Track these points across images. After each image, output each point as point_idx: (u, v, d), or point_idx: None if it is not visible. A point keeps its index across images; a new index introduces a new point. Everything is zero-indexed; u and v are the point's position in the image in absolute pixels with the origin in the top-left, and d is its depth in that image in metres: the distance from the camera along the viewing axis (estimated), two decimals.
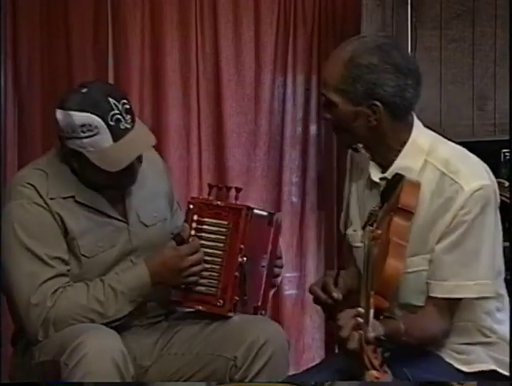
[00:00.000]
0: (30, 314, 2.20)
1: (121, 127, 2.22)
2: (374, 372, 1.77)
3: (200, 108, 3.74)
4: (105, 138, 2.20)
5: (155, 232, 2.38)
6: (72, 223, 2.26)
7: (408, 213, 2.04)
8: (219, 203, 2.32)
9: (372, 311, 1.87)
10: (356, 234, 2.25)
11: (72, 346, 2.10)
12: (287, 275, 3.69)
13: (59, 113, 2.22)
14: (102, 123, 2.19)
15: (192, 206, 2.34)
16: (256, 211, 2.34)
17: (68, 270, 2.26)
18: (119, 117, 2.21)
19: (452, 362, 2.10)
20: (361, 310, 1.89)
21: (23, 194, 2.25)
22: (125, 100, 2.25)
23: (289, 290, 3.78)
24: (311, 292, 2.16)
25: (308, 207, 3.79)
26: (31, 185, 2.26)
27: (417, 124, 2.16)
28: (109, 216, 2.31)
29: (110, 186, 2.32)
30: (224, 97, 3.73)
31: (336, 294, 2.11)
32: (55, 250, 2.24)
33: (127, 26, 3.67)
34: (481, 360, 2.11)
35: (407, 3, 3.48)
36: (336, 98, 2.10)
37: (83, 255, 2.27)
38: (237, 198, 2.34)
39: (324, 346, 3.81)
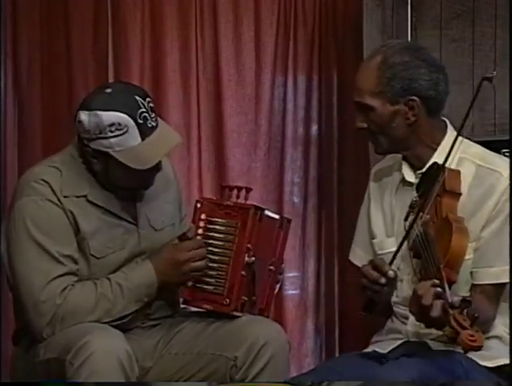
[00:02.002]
0: (38, 311, 2.21)
1: (149, 125, 2.23)
2: (469, 331, 1.81)
3: (200, 108, 3.73)
4: (133, 137, 2.21)
5: (164, 237, 2.39)
6: (83, 223, 2.27)
7: (456, 194, 2.14)
8: (227, 202, 2.33)
9: (446, 282, 1.93)
10: (382, 240, 2.31)
11: (77, 345, 2.10)
12: (289, 275, 3.69)
13: (84, 115, 2.22)
14: (131, 121, 2.20)
15: (199, 205, 2.35)
16: (267, 212, 2.35)
17: (78, 269, 2.26)
18: (146, 115, 2.22)
19: (475, 358, 2.14)
20: (436, 281, 1.95)
21: (37, 190, 2.25)
22: (149, 99, 2.26)
23: (290, 290, 3.78)
24: (362, 271, 2.18)
25: (310, 208, 3.79)
26: (45, 182, 2.26)
27: (450, 126, 2.26)
28: (120, 218, 2.32)
29: (130, 187, 2.32)
30: (224, 97, 3.72)
31: (392, 272, 2.13)
32: (67, 248, 2.25)
33: (127, 26, 3.66)
34: (500, 355, 2.16)
35: (407, 3, 3.47)
36: (373, 102, 2.18)
37: (92, 255, 2.27)
38: (246, 198, 2.35)
39: (325, 350, 3.81)
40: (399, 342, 2.25)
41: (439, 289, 1.93)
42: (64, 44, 3.66)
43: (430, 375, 2.08)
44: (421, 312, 1.96)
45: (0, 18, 3.37)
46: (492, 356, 2.16)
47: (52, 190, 2.26)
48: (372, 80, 2.18)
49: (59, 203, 2.26)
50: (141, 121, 2.21)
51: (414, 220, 2.13)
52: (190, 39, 3.70)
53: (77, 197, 2.28)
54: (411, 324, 2.21)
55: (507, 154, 3.00)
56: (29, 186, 2.27)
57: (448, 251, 2.03)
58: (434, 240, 2.08)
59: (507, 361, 2.13)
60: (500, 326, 2.20)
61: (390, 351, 2.23)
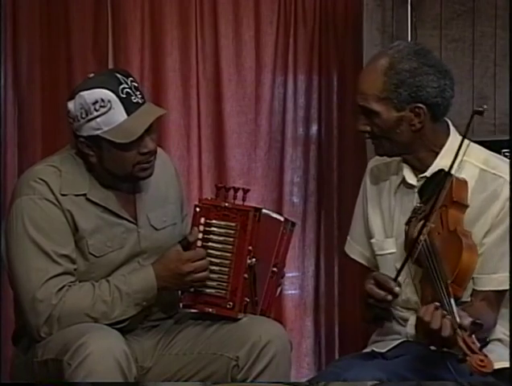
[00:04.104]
0: (35, 310, 2.21)
1: (133, 101, 2.23)
2: (479, 356, 1.80)
3: (200, 108, 3.73)
4: (118, 112, 2.21)
5: (164, 236, 2.38)
6: (82, 221, 2.26)
7: (463, 206, 2.13)
8: (226, 204, 2.31)
9: (453, 299, 1.93)
10: (382, 241, 2.30)
11: (75, 345, 2.10)
12: (289, 275, 3.69)
13: (70, 103, 2.24)
14: (114, 96, 2.20)
15: (198, 209, 2.33)
16: (268, 212, 2.35)
17: (75, 269, 2.26)
18: (129, 91, 2.23)
19: None
20: (437, 303, 1.94)
21: (35, 189, 2.25)
22: (131, 78, 2.27)
23: (290, 290, 3.79)
24: (366, 291, 2.17)
25: (309, 208, 3.79)
26: (44, 181, 2.26)
27: (452, 128, 2.24)
28: (120, 217, 2.31)
29: (128, 175, 2.31)
30: (224, 97, 3.73)
31: (398, 289, 2.14)
32: (63, 248, 2.25)
33: (127, 26, 3.66)
34: (501, 358, 2.14)
35: (407, 3, 3.48)
36: (379, 107, 2.16)
37: (91, 254, 2.27)
38: (244, 199, 2.34)
39: (325, 349, 3.82)
40: (398, 342, 2.24)
41: (444, 312, 1.92)
42: (64, 44, 3.66)
43: (414, 375, 2.09)
44: (430, 336, 1.95)
45: (0, 18, 3.37)
46: (493, 359, 2.15)
47: (50, 189, 2.26)
48: (378, 85, 2.15)
49: (56, 203, 2.25)
50: (124, 96, 2.21)
51: (420, 231, 2.10)
52: (190, 39, 3.71)
53: (76, 195, 2.28)
54: (411, 326, 2.20)
55: (507, 154, 3.00)
56: (27, 185, 2.27)
57: (457, 268, 2.03)
58: (440, 252, 2.07)
59: (508, 364, 2.13)
60: (500, 329, 2.20)
61: (388, 351, 2.23)
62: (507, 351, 2.15)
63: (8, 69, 3.61)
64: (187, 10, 3.70)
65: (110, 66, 3.66)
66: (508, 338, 2.18)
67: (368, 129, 2.20)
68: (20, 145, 3.67)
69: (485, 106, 2.09)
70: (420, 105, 2.14)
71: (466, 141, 2.11)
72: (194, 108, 3.72)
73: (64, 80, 3.66)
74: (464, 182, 2.15)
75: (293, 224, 2.43)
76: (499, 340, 2.19)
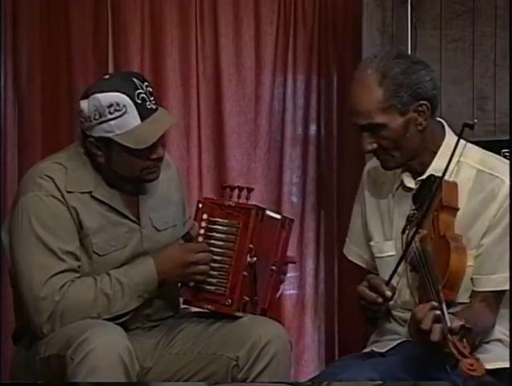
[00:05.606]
0: (38, 308, 2.20)
1: (148, 106, 2.23)
2: (469, 360, 1.80)
3: (200, 108, 3.74)
4: (132, 117, 2.20)
5: (166, 237, 2.38)
6: (87, 219, 2.26)
7: (453, 209, 2.12)
8: (229, 202, 2.32)
9: (444, 304, 1.92)
10: (381, 244, 2.29)
11: (78, 341, 2.10)
12: (288, 275, 3.69)
13: (83, 103, 2.23)
14: (129, 101, 2.20)
15: (201, 205, 2.35)
16: (269, 212, 2.35)
17: (79, 266, 2.26)
18: (144, 96, 2.22)
19: None
20: (434, 303, 1.93)
21: (41, 186, 2.25)
22: (147, 83, 2.26)
23: (289, 290, 3.79)
24: (358, 292, 2.17)
25: (308, 208, 3.80)
26: (50, 178, 2.26)
27: (447, 128, 2.23)
28: (124, 216, 2.32)
29: (135, 178, 2.31)
30: (224, 97, 3.74)
31: (389, 293, 2.12)
32: (68, 245, 2.24)
33: (127, 26, 3.68)
34: (501, 358, 2.14)
35: (407, 3, 3.48)
36: (384, 118, 2.13)
37: (95, 252, 2.27)
38: (248, 198, 2.34)
39: (325, 348, 3.82)
40: (397, 342, 2.24)
41: (438, 312, 1.90)
42: (64, 44, 3.67)
43: (409, 375, 2.09)
44: (420, 336, 1.93)
45: (0, 18, 3.37)
46: (492, 359, 2.14)
47: (56, 186, 2.26)
48: (377, 97, 2.12)
49: (62, 200, 2.25)
50: (139, 102, 2.21)
51: (412, 238, 2.10)
52: (190, 39, 3.72)
53: (82, 193, 2.28)
54: None
55: (507, 154, 3.00)
56: (33, 181, 2.27)
57: (447, 272, 2.02)
58: (432, 258, 2.06)
59: (507, 364, 2.12)
60: (499, 329, 2.19)
61: (387, 351, 2.23)
62: (507, 351, 2.15)
63: (8, 69, 3.63)
64: (187, 10, 3.71)
65: (110, 66, 3.68)
66: (507, 339, 2.18)
67: (375, 146, 2.16)
68: (20, 145, 3.68)
69: (476, 120, 2.09)
70: (422, 102, 2.14)
71: (461, 146, 2.10)
72: (194, 109, 3.73)
73: (64, 80, 3.68)
74: (454, 185, 2.13)
75: (291, 221, 2.43)
76: (499, 340, 2.19)
